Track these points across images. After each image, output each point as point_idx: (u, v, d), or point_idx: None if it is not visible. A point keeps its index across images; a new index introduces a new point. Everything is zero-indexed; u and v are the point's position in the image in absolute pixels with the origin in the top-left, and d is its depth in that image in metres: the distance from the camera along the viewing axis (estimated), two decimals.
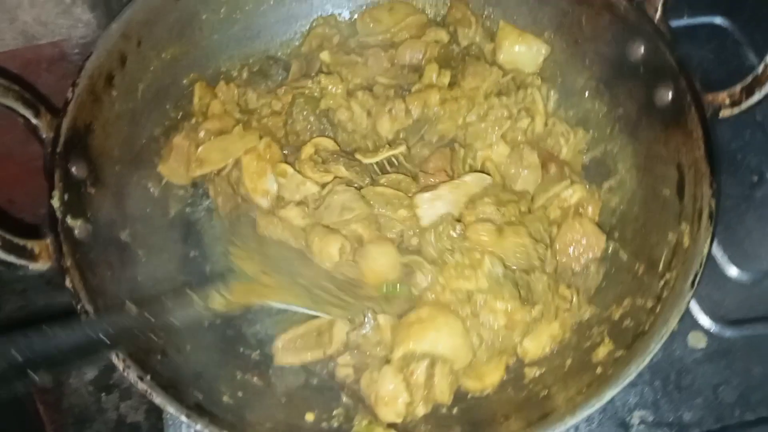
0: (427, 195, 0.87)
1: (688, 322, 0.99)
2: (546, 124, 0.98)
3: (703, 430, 0.93)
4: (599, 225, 0.91)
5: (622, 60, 0.92)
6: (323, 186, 0.90)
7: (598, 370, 0.74)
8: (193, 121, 0.99)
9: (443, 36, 1.03)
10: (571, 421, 0.67)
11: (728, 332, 0.99)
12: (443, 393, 0.79)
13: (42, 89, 1.13)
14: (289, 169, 0.91)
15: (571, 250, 0.89)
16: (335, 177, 0.90)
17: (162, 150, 0.97)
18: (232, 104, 0.98)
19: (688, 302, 0.72)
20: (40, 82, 1.15)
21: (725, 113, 0.81)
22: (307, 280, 0.84)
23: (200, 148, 0.94)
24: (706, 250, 0.74)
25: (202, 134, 0.96)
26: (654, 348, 0.70)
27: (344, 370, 0.85)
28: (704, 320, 0.99)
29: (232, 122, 0.98)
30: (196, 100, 0.99)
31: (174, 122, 0.98)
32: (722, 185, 1.05)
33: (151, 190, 0.94)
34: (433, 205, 0.87)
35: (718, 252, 1.03)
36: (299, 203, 0.90)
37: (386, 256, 0.85)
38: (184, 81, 0.99)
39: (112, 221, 0.85)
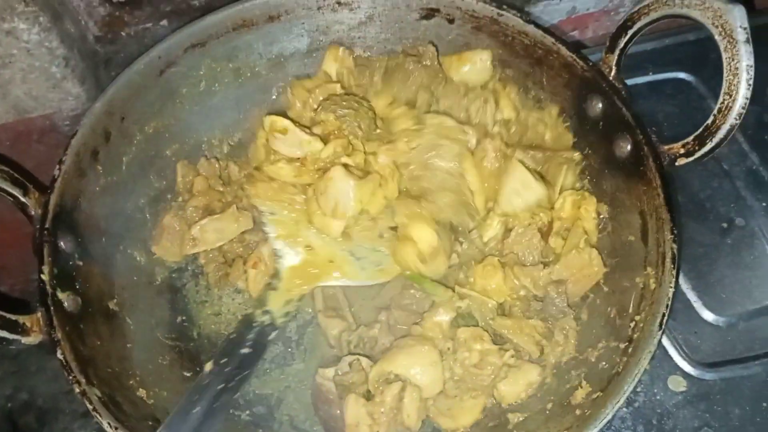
0: None
1: (667, 366, 1.03)
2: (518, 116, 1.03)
3: None
4: None
5: (582, 116, 0.97)
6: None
7: (577, 411, 0.77)
8: (180, 199, 1.03)
9: None
10: None
11: (707, 375, 1.03)
12: (410, 418, 0.83)
13: (33, 160, 1.17)
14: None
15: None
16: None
17: (153, 230, 1.00)
18: (215, 179, 1.02)
19: (658, 342, 0.75)
20: (31, 153, 1.18)
21: (681, 162, 0.86)
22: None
23: (194, 229, 0.97)
24: (671, 293, 0.78)
25: (189, 211, 1.00)
26: (627, 388, 0.73)
27: None
28: (683, 364, 1.03)
29: (217, 196, 1.02)
30: (179, 179, 1.03)
31: (158, 192, 1.01)
32: (693, 233, 1.12)
33: (138, 258, 0.96)
34: None
35: (692, 297, 1.08)
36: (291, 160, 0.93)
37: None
38: (167, 152, 1.03)
39: (100, 291, 0.88)
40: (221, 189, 1.03)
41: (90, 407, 0.72)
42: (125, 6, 1.18)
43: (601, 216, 0.96)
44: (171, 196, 1.03)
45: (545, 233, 0.95)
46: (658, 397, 1.01)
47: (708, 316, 1.07)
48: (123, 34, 1.25)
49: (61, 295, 0.79)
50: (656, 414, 1.00)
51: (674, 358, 1.03)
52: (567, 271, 0.92)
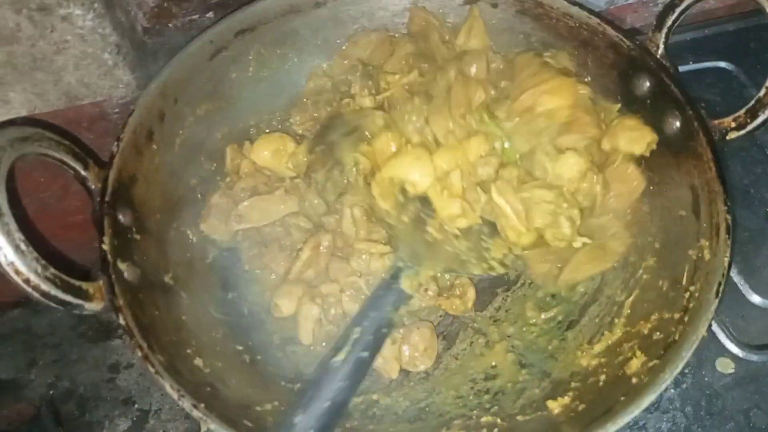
0: None
1: (715, 348, 1.02)
2: None
3: None
4: None
5: (629, 95, 0.98)
6: None
7: (633, 380, 0.77)
8: (228, 179, 1.05)
9: None
10: (612, 428, 0.69)
11: (755, 357, 1.02)
12: None
13: None
14: None
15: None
16: None
17: (201, 210, 1.02)
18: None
19: (715, 310, 0.75)
20: (81, 140, 1.21)
21: (732, 136, 0.87)
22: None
23: (241, 206, 0.99)
24: (726, 262, 0.78)
25: (237, 191, 1.01)
26: (686, 355, 0.73)
27: None
28: (731, 346, 1.02)
29: (263, 179, 1.04)
30: (228, 161, 1.05)
31: (209, 174, 1.03)
32: (738, 218, 1.11)
33: (190, 237, 0.98)
34: None
35: (739, 281, 1.07)
36: None
37: None
38: (217, 135, 1.05)
39: (156, 265, 0.89)
40: (268, 173, 1.05)
41: (152, 370, 0.73)
42: None
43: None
44: (220, 178, 1.05)
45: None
46: (706, 379, 1.00)
47: (755, 299, 1.06)
48: (170, 25, 1.28)
49: (121, 265, 0.81)
50: (705, 395, 0.99)
51: (722, 341, 1.02)
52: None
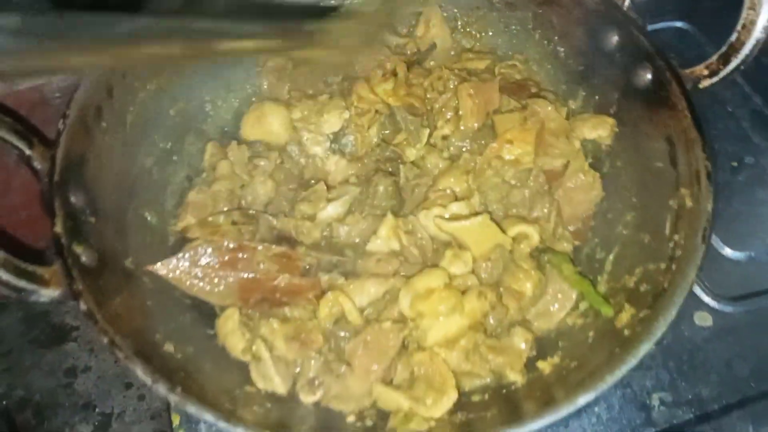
0: None
1: (692, 303, 1.03)
2: None
3: (723, 404, 0.95)
4: None
5: (596, 51, 0.96)
6: None
7: (626, 332, 0.75)
8: (204, 175, 1.00)
9: None
10: (611, 380, 0.67)
11: (731, 309, 1.02)
12: None
13: None
14: None
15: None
16: None
17: (160, 195, 0.97)
18: (241, 166, 0.98)
19: (703, 256, 0.74)
20: (24, 118, 1.13)
21: (705, 83, 0.86)
22: None
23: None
24: (710, 207, 0.77)
25: (215, 192, 0.97)
26: (678, 301, 0.71)
27: None
28: (708, 300, 1.03)
29: (240, 182, 0.99)
30: (207, 156, 1.01)
31: (164, 153, 0.97)
32: None
33: (149, 219, 0.92)
34: None
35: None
36: None
37: None
38: (171, 111, 0.99)
39: (115, 249, 0.83)
40: (246, 177, 0.99)
41: (121, 356, 0.68)
42: None
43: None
44: (177, 158, 0.99)
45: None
46: (686, 334, 1.00)
47: (727, 252, 1.07)
48: None
49: (77, 248, 0.75)
50: (686, 350, 0.99)
51: (698, 295, 1.03)
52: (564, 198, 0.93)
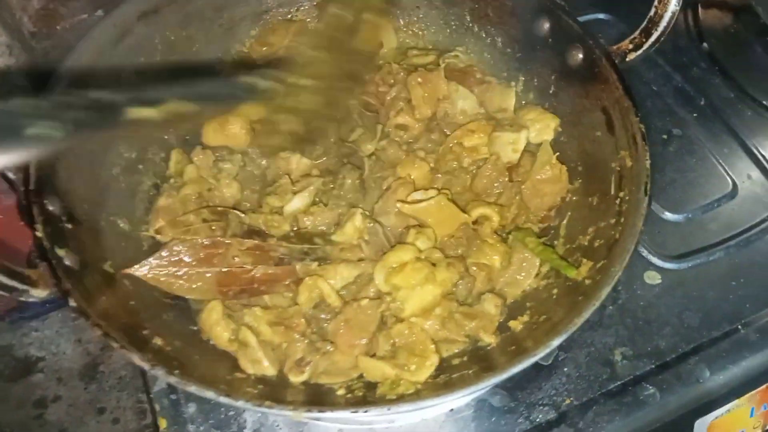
0: None
1: (640, 264, 1.11)
2: None
3: (679, 353, 1.03)
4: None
5: (530, 38, 1.04)
6: None
7: (587, 282, 0.81)
8: (172, 181, 1.02)
9: None
10: (579, 322, 0.73)
11: (677, 266, 1.11)
12: None
13: None
14: None
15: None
16: None
17: (128, 202, 0.98)
18: (207, 170, 1.01)
19: (647, 207, 0.81)
20: None
21: (631, 56, 0.95)
22: None
23: None
24: (648, 164, 0.84)
25: (184, 196, 0.99)
26: (630, 248, 0.78)
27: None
28: (654, 260, 1.11)
29: (207, 185, 1.01)
30: (172, 163, 1.03)
31: (129, 163, 0.99)
32: None
33: (122, 226, 0.94)
34: None
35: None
36: None
37: None
38: None
39: (93, 254, 0.85)
40: (212, 181, 1.02)
41: (117, 345, 0.70)
42: None
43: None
44: (142, 166, 1.01)
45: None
46: (638, 293, 1.08)
47: (667, 216, 1.16)
48: (58, 27, 1.23)
49: (59, 251, 0.77)
50: (640, 307, 1.07)
51: (645, 256, 1.11)
52: (533, 190, 0.98)
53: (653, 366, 1.02)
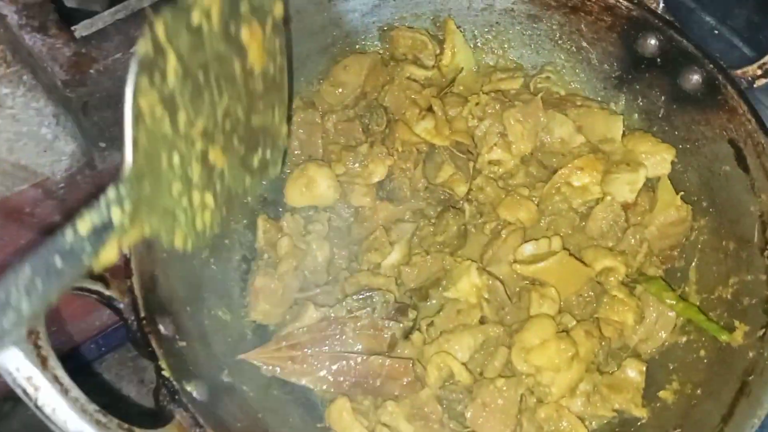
0: None
1: None
2: None
3: None
4: None
5: (634, 56, 0.95)
6: None
7: (750, 354, 0.76)
8: (266, 256, 0.94)
9: None
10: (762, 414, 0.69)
11: None
12: None
13: (25, 240, 1.03)
14: None
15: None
16: None
17: (244, 296, 0.92)
18: (298, 236, 0.93)
19: None
20: (23, 233, 1.04)
21: (759, 83, 0.86)
22: None
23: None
24: None
25: (283, 273, 0.91)
26: None
27: None
28: None
29: (302, 255, 0.93)
30: (260, 234, 0.95)
31: (215, 241, 0.91)
32: None
33: (223, 317, 0.87)
34: None
35: None
36: None
37: None
38: None
39: (210, 367, 0.78)
40: (303, 247, 0.94)
41: None
42: (91, 40, 1.05)
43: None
44: (228, 242, 0.93)
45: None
46: None
47: None
48: (91, 71, 1.10)
49: (187, 386, 0.70)
50: None
51: None
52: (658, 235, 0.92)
53: None
